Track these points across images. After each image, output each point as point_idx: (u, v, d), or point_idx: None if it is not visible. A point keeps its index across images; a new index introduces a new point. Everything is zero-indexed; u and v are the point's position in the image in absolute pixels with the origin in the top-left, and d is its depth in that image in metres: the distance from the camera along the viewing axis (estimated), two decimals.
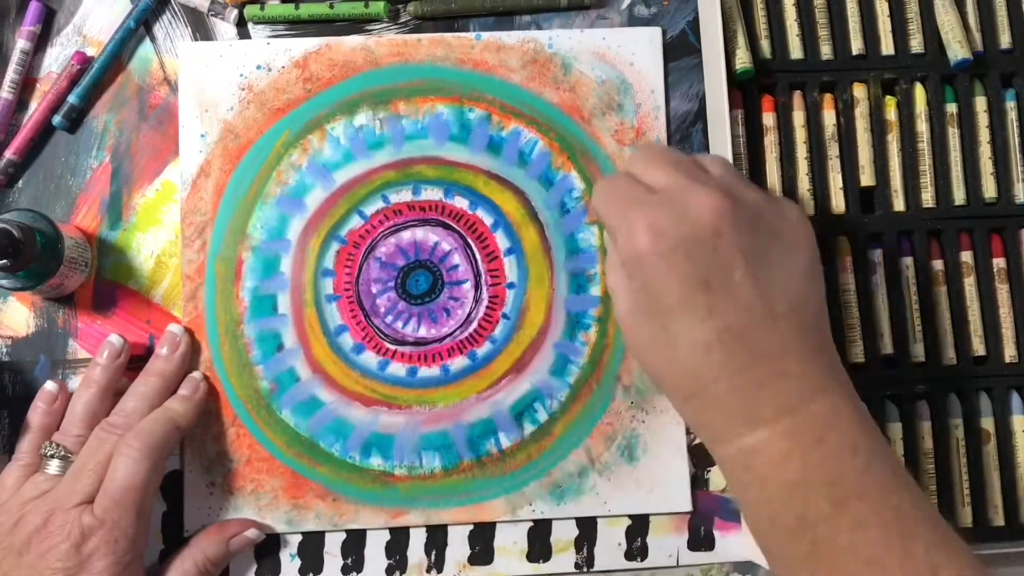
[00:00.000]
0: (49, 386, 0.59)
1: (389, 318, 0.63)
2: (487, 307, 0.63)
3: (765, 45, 0.64)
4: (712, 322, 0.48)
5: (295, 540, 0.61)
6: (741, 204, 0.49)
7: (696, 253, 0.48)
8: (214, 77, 0.63)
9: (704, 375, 0.48)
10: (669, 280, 0.48)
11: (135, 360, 0.61)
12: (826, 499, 0.46)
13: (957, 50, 0.63)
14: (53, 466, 0.56)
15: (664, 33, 0.65)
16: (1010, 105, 0.64)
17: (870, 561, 0.45)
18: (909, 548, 0.45)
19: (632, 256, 0.49)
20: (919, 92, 0.64)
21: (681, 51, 0.66)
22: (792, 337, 0.49)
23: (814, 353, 0.50)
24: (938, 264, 0.63)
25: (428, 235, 0.63)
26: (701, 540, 0.62)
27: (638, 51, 0.65)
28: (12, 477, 0.57)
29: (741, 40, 0.63)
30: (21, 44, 0.63)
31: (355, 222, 0.63)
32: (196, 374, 0.61)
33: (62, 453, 0.56)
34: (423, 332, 0.63)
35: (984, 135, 0.64)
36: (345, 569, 0.61)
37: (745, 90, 0.64)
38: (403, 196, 0.63)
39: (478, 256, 0.63)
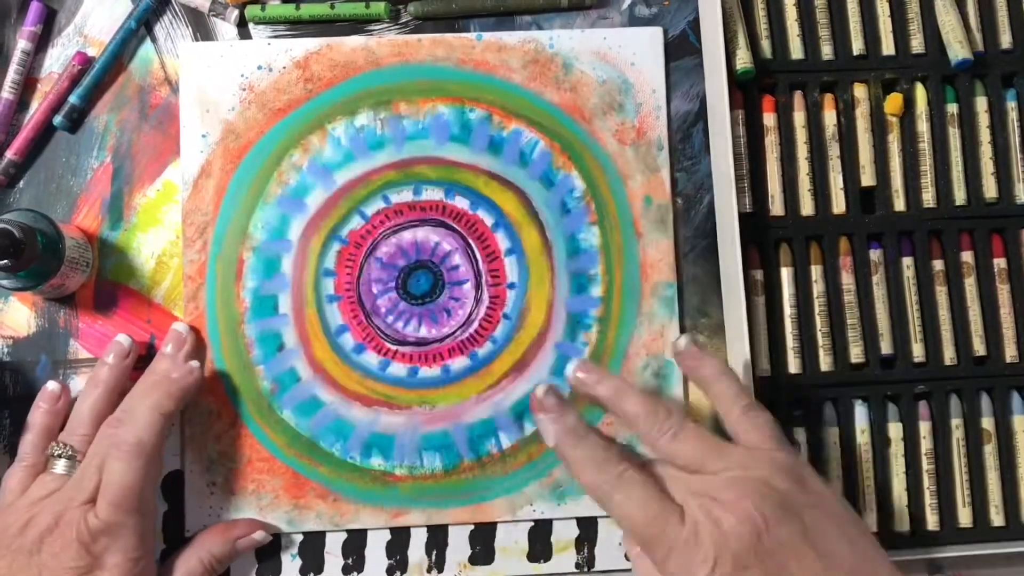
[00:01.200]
0: (51, 386, 0.59)
1: (390, 318, 0.63)
2: (488, 307, 0.63)
3: (766, 45, 0.64)
4: None
5: (296, 540, 0.61)
6: (765, 492, 0.50)
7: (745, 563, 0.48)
8: (215, 77, 0.63)
9: None
10: None
11: (136, 360, 0.61)
12: None
13: (958, 50, 0.63)
14: (60, 466, 0.56)
15: (665, 33, 0.65)
16: (1011, 105, 0.64)
17: None
18: None
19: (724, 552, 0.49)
20: (920, 92, 0.64)
21: (682, 51, 0.66)
22: None
23: None
24: (939, 264, 0.63)
25: (429, 235, 0.63)
26: None
27: (639, 51, 0.65)
28: (16, 478, 0.57)
29: (742, 40, 0.63)
30: (22, 44, 0.63)
31: (356, 222, 0.63)
32: (194, 362, 0.59)
33: (69, 453, 0.56)
34: (424, 332, 0.63)
35: (985, 135, 0.64)
36: (346, 569, 0.61)
37: (746, 90, 0.64)
38: (404, 196, 0.63)
39: (479, 256, 0.63)
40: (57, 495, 0.54)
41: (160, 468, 0.58)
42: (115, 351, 0.59)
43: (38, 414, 0.59)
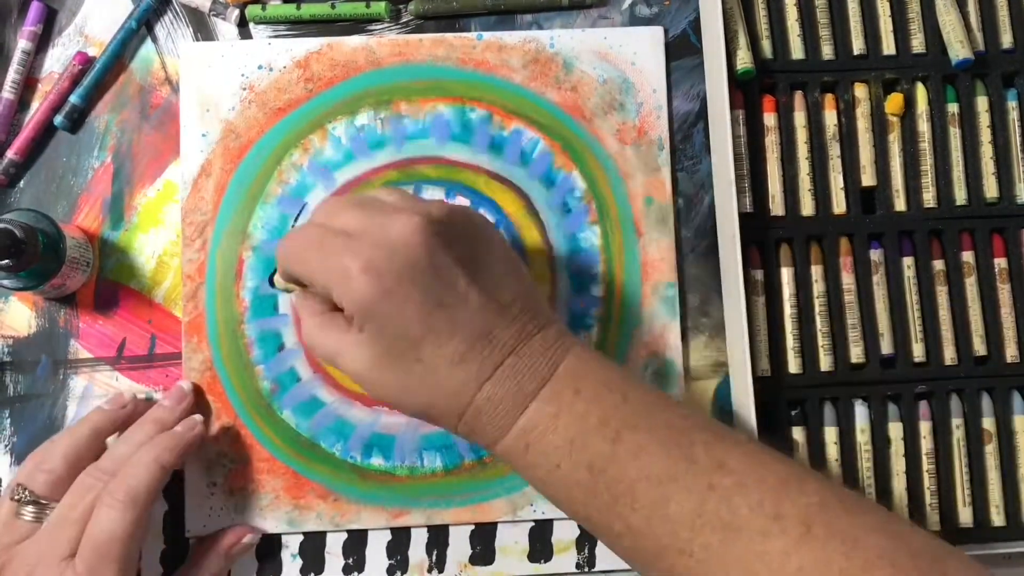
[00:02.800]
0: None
1: None
2: None
3: (766, 45, 0.64)
4: (459, 335, 0.49)
5: (296, 540, 0.61)
6: (435, 219, 0.50)
7: (419, 278, 0.48)
8: (215, 77, 0.63)
9: (469, 386, 0.49)
10: (406, 313, 0.48)
11: (135, 360, 0.61)
12: (603, 439, 0.48)
13: (958, 50, 0.63)
14: (27, 513, 0.53)
15: (666, 33, 0.65)
16: (1011, 105, 0.64)
17: (661, 479, 0.47)
18: (690, 454, 0.47)
19: (359, 303, 0.48)
20: (920, 92, 0.64)
21: (683, 51, 0.66)
22: (526, 320, 0.50)
23: (546, 325, 0.51)
24: (939, 264, 0.63)
25: None
26: None
27: (640, 51, 0.65)
28: (1, 513, 0.54)
29: (742, 40, 0.63)
30: (23, 44, 0.63)
31: None
32: (197, 416, 0.59)
33: (29, 498, 0.53)
34: None
35: (985, 135, 0.64)
36: (346, 569, 0.61)
37: (746, 90, 0.64)
38: None
39: None
40: (29, 547, 0.52)
41: (148, 527, 0.55)
42: (114, 398, 0.59)
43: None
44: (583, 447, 0.48)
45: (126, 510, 0.51)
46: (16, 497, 0.53)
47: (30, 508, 0.53)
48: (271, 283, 0.62)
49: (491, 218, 0.63)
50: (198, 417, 0.59)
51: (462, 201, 0.63)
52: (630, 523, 0.47)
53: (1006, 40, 0.65)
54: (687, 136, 0.65)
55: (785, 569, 0.44)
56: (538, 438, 0.49)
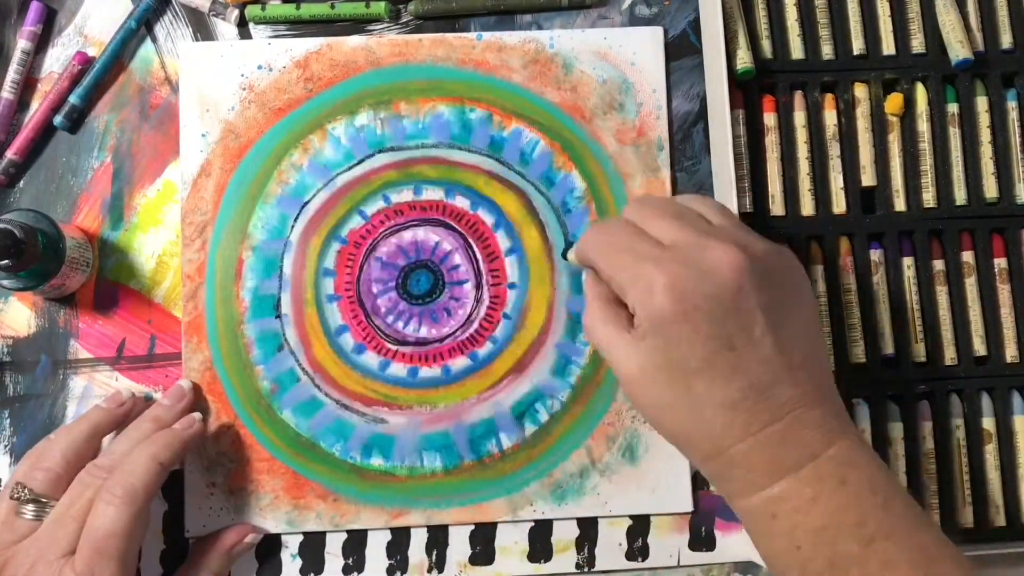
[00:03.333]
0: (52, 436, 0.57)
1: (390, 318, 0.63)
2: (488, 307, 0.63)
3: (766, 45, 0.64)
4: (737, 382, 0.47)
5: (296, 540, 0.61)
6: (755, 258, 0.49)
7: (719, 313, 0.47)
8: (215, 77, 0.63)
9: (729, 434, 0.48)
10: (694, 342, 0.47)
11: (135, 360, 0.61)
12: (854, 540, 0.46)
13: (958, 50, 0.63)
14: (28, 511, 0.53)
15: (665, 33, 0.65)
16: (1011, 105, 0.64)
17: None
18: None
19: (652, 316, 0.48)
20: (920, 92, 0.64)
21: (682, 51, 0.66)
22: (810, 388, 0.49)
23: (828, 400, 0.50)
24: (939, 264, 0.63)
25: (429, 235, 0.63)
26: (702, 540, 0.62)
27: (639, 51, 0.65)
28: (0, 512, 0.54)
29: (742, 40, 0.63)
30: (22, 44, 0.63)
31: (356, 222, 0.63)
32: (195, 414, 0.59)
33: (28, 496, 0.53)
34: (424, 332, 0.63)
35: (985, 135, 0.64)
36: (346, 569, 0.61)
37: (746, 90, 0.64)
38: (404, 196, 0.63)
39: (479, 256, 0.63)
40: (30, 544, 0.52)
41: (147, 524, 0.55)
42: (112, 397, 0.59)
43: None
44: (832, 540, 0.47)
45: (124, 506, 0.51)
46: (16, 496, 0.53)
47: (30, 507, 0.53)
48: (563, 256, 0.62)
49: (491, 218, 0.63)
50: (196, 415, 0.59)
51: (462, 202, 0.63)
52: None
53: (1006, 40, 0.65)
54: (686, 136, 0.65)
55: None
56: (787, 514, 0.47)
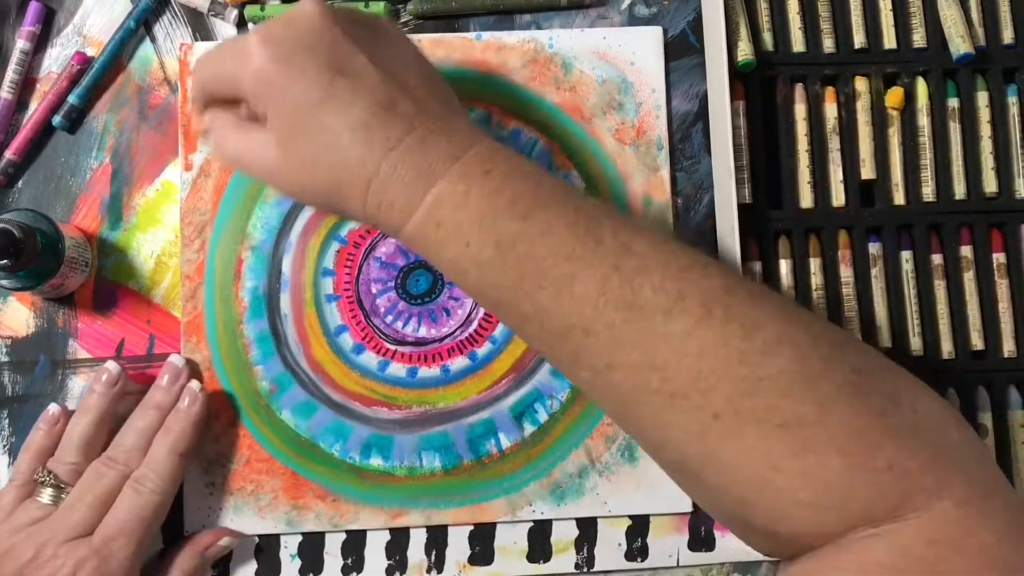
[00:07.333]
0: (52, 408, 0.58)
1: (389, 318, 0.62)
2: None
3: (767, 38, 0.64)
4: (360, 102, 0.48)
5: (295, 541, 0.61)
6: (337, 7, 0.50)
7: (318, 46, 0.48)
8: None
9: (372, 155, 0.48)
10: (306, 78, 0.48)
11: (134, 359, 0.61)
12: (512, 217, 0.47)
13: (959, 45, 0.63)
14: (46, 495, 0.56)
15: (665, 33, 0.65)
16: (1012, 100, 0.64)
17: (568, 257, 0.46)
18: (598, 236, 0.46)
19: (258, 77, 0.49)
20: (921, 86, 0.64)
21: (681, 51, 0.65)
22: (433, 103, 0.50)
23: (457, 116, 0.51)
24: (938, 258, 0.63)
25: None
26: (701, 540, 0.62)
27: (639, 50, 0.65)
28: (7, 498, 0.56)
29: (743, 32, 0.63)
30: (21, 44, 0.63)
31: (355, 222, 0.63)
32: (194, 384, 0.59)
33: (53, 481, 0.56)
34: (423, 332, 0.62)
35: (985, 130, 0.64)
36: (345, 569, 0.61)
37: (747, 82, 0.63)
38: None
39: None
40: (41, 526, 0.54)
41: (164, 516, 0.58)
42: (104, 378, 0.59)
43: (37, 435, 0.58)
44: (493, 225, 0.47)
45: (152, 495, 0.55)
46: (40, 479, 0.56)
47: (49, 491, 0.56)
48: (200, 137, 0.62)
49: None
50: (195, 384, 0.59)
51: None
52: (537, 302, 0.47)
53: (1007, 35, 0.65)
54: (686, 136, 0.65)
55: (685, 349, 0.44)
56: (448, 215, 0.48)
